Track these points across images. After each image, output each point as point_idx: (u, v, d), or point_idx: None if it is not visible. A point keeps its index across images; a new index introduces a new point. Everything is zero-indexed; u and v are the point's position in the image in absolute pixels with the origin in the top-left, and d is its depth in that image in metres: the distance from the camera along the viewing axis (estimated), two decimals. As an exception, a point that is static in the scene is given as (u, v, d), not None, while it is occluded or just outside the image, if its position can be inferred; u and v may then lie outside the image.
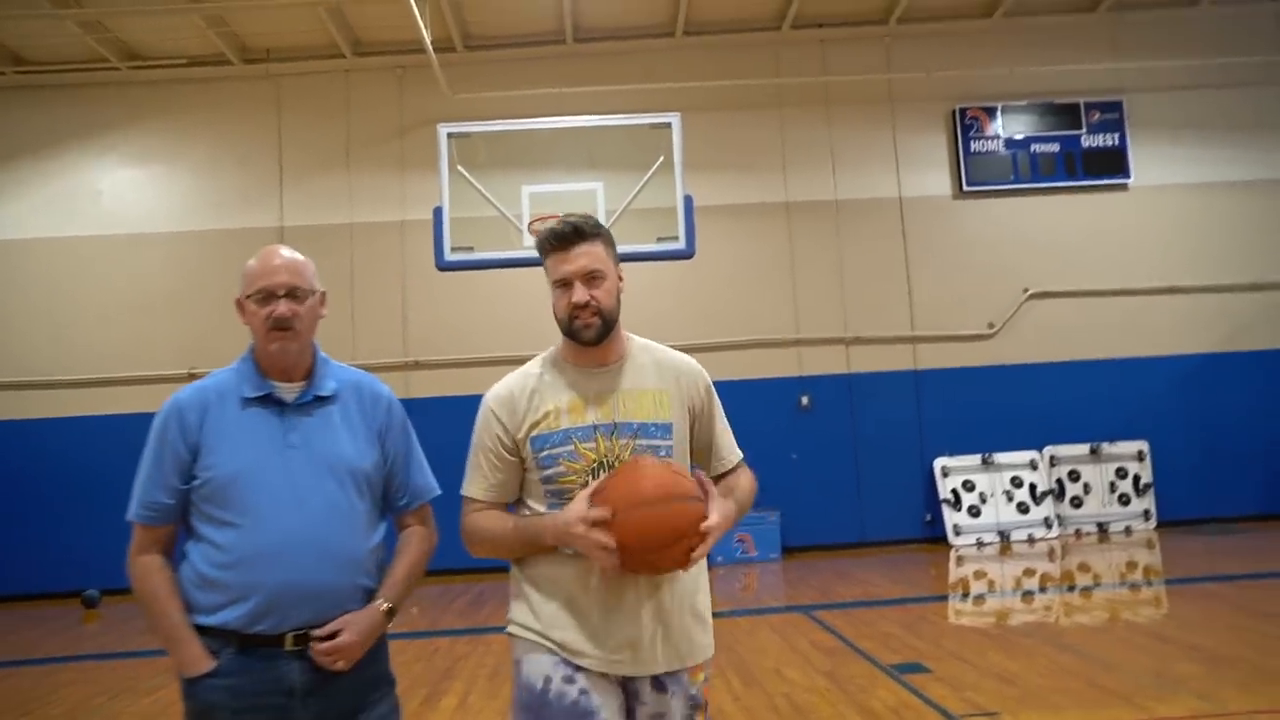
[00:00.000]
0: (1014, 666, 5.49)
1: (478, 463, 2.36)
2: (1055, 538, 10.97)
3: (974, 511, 11.10)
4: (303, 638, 2.23)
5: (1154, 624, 6.70)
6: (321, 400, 2.37)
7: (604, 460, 2.27)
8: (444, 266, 7.71)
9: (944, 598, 8.47)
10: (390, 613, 2.35)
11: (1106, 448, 11.31)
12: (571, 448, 2.28)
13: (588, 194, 7.46)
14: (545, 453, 2.29)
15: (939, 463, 11.26)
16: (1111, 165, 11.70)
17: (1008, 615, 7.40)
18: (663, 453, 2.30)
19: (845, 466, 11.36)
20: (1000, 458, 11.26)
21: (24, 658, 7.66)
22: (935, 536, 11.17)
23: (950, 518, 11.08)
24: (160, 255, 11.38)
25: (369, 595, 2.34)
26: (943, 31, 11.78)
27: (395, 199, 11.44)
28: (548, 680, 2.23)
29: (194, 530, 2.30)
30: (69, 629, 9.07)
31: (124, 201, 11.51)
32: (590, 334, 2.29)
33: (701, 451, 2.44)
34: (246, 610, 2.20)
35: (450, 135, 7.65)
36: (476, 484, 2.36)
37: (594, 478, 2.24)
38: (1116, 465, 11.30)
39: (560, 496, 2.28)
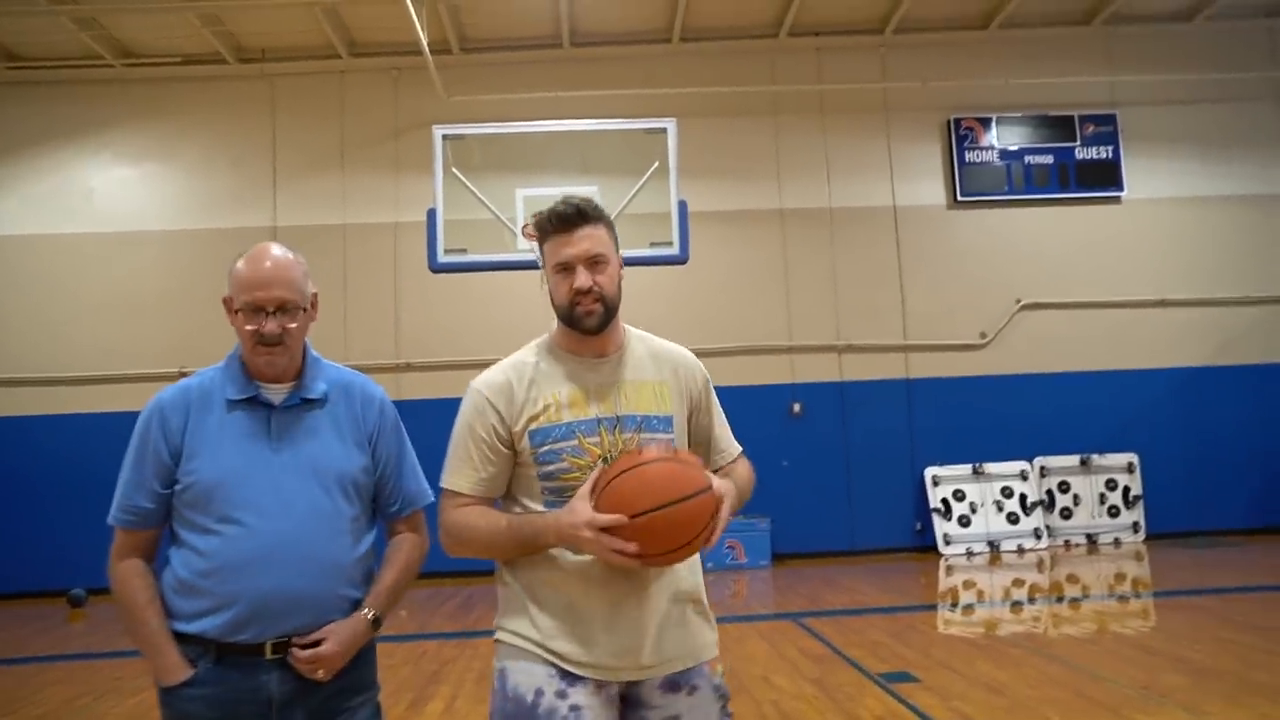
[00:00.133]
0: (1002, 676, 5.49)
1: (466, 454, 2.19)
2: (1045, 548, 10.99)
3: (964, 521, 11.11)
4: (283, 646, 2.17)
5: (1141, 636, 6.71)
6: (310, 403, 2.29)
7: (608, 455, 2.14)
8: (437, 268, 7.70)
9: (933, 607, 8.47)
10: (376, 622, 2.28)
11: (1097, 459, 11.34)
12: (575, 442, 2.15)
13: (582, 198, 7.44)
14: (546, 448, 2.15)
15: (930, 472, 11.27)
16: (1105, 178, 11.74)
17: (996, 625, 7.40)
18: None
19: (836, 474, 11.37)
20: (991, 468, 11.28)
21: (8, 657, 7.62)
22: (925, 545, 11.18)
23: (940, 527, 11.09)
24: (153, 254, 11.34)
25: (355, 605, 2.26)
26: (938, 42, 11.82)
27: (389, 200, 11.42)
28: (539, 693, 2.09)
29: (176, 535, 2.24)
30: (55, 628, 9.02)
31: (117, 199, 11.47)
32: (592, 322, 2.17)
33: (700, 445, 2.35)
34: (226, 620, 2.15)
35: (445, 137, 7.64)
36: (464, 477, 2.18)
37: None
38: (1106, 477, 11.32)
39: (560, 495, 2.14)
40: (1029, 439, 11.38)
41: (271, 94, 11.64)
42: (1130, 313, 11.64)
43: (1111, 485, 11.31)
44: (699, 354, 2.42)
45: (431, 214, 7.57)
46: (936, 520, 11.12)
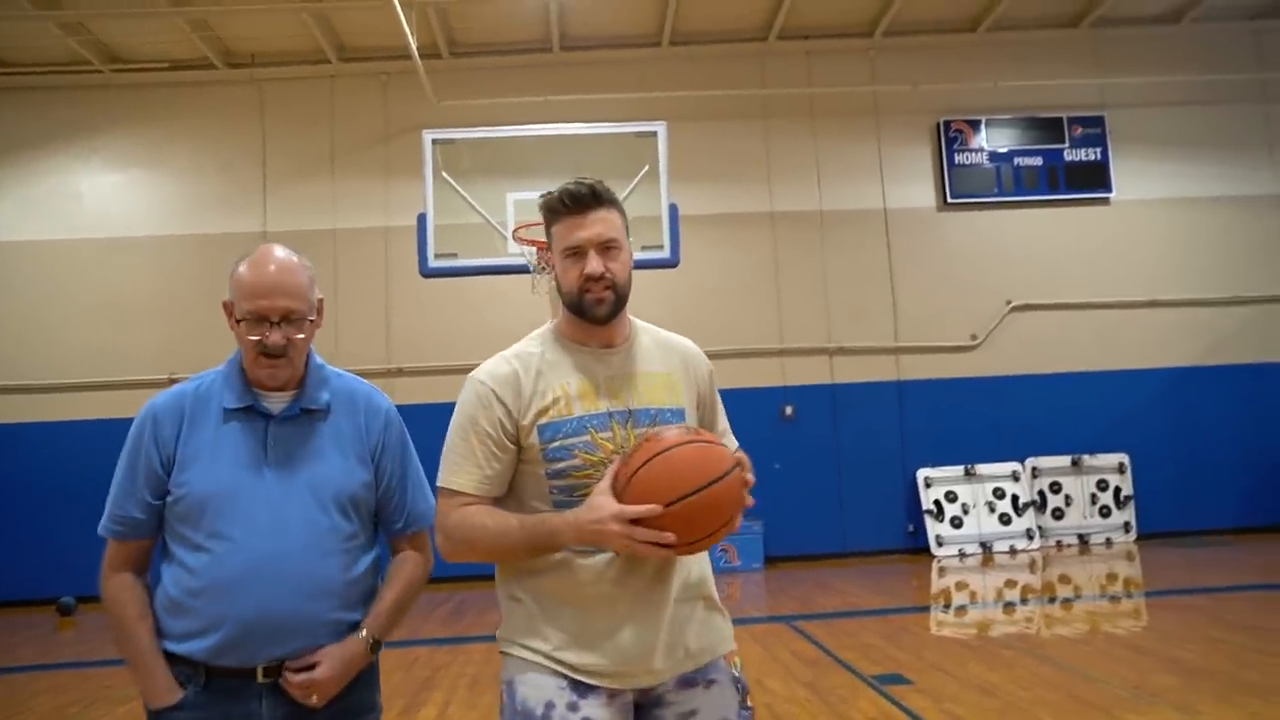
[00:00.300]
0: (995, 678, 5.50)
1: (468, 450, 2.03)
2: (1037, 549, 11.01)
3: (956, 522, 11.13)
4: (275, 670, 2.07)
5: (1133, 636, 6.72)
6: (310, 413, 2.17)
7: (621, 451, 2.00)
8: (428, 273, 7.68)
9: (925, 609, 8.48)
10: (375, 645, 2.17)
11: (1088, 460, 11.37)
12: (588, 438, 2.02)
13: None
14: (556, 444, 2.01)
15: (921, 473, 11.28)
16: (1094, 179, 11.79)
17: (989, 627, 7.41)
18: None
19: (828, 477, 11.38)
20: (982, 469, 11.30)
21: (-3, 665, 7.57)
22: (917, 547, 11.19)
23: (932, 529, 11.10)
24: (142, 259, 11.29)
25: (352, 628, 2.15)
26: (928, 45, 11.86)
27: (379, 205, 11.41)
28: (549, 706, 1.97)
29: (168, 550, 2.13)
30: (44, 637, 8.97)
31: (106, 205, 11.42)
32: (602, 311, 2.05)
33: None
34: (214, 642, 2.04)
35: (435, 142, 7.63)
36: (466, 474, 2.03)
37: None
38: (1097, 477, 11.36)
39: (570, 494, 2.01)
40: (1020, 440, 11.41)
41: (261, 99, 11.61)
42: (1120, 313, 11.69)
43: (1103, 486, 11.34)
44: (691, 357, 2.36)
45: (422, 219, 7.56)
46: (929, 522, 11.13)
